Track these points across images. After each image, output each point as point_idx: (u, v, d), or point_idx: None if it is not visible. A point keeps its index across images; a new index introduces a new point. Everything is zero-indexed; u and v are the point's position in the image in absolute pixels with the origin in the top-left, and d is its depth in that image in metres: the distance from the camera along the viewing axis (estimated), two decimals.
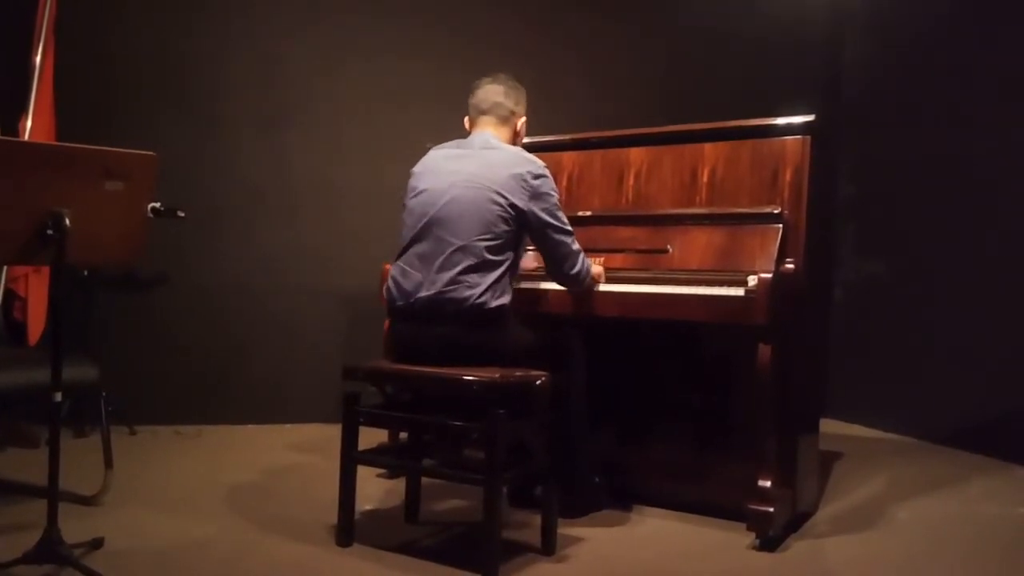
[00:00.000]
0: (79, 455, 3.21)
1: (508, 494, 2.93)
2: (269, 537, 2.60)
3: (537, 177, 2.59)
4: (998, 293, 3.91)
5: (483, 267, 2.52)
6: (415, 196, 2.67)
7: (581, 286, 2.77)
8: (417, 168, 2.75)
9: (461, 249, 2.52)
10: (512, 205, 2.55)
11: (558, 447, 2.59)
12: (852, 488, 3.32)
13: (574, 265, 2.69)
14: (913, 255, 4.43)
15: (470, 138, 2.75)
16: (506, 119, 2.76)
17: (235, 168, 4.25)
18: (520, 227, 2.59)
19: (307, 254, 4.32)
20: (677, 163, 3.01)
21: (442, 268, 2.53)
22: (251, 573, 2.34)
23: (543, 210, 2.59)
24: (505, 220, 2.55)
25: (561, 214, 2.65)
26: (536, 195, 2.58)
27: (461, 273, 2.51)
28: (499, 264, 2.55)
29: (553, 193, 2.63)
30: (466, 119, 2.82)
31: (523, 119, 2.82)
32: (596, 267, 2.82)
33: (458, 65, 3.87)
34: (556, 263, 2.69)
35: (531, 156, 2.66)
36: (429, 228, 2.58)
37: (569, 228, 2.67)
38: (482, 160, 2.62)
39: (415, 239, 2.61)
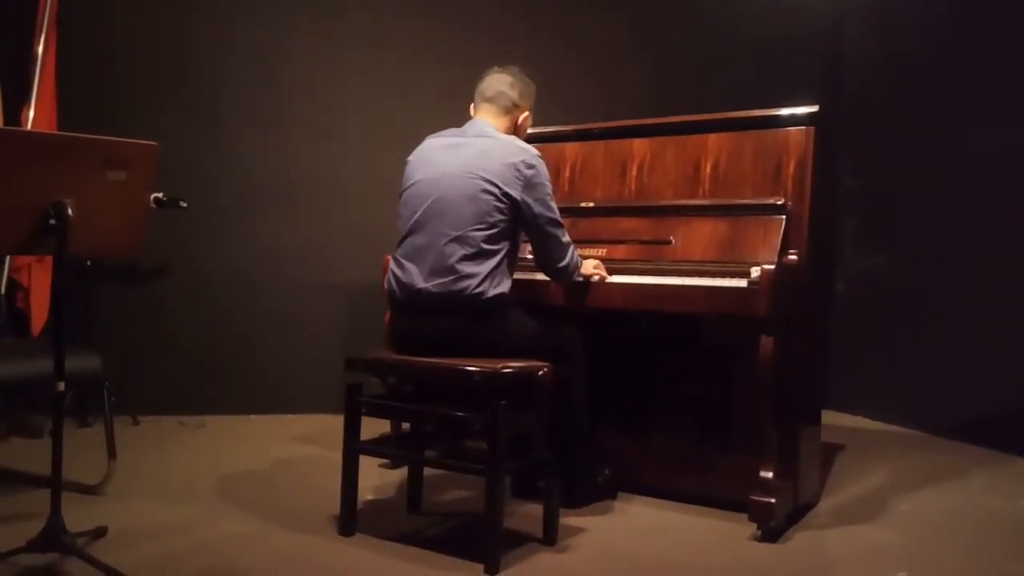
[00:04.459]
0: (82, 445, 3.23)
1: (510, 485, 2.93)
2: (272, 527, 2.61)
3: (530, 167, 2.57)
4: (1000, 286, 3.90)
5: (480, 256, 2.52)
6: (410, 187, 2.66)
7: (569, 279, 2.77)
8: (412, 157, 2.73)
9: (457, 240, 2.52)
10: (506, 195, 2.54)
11: (559, 438, 2.60)
12: (854, 480, 3.32)
13: (562, 257, 2.69)
14: (915, 248, 4.42)
15: (465, 126, 2.73)
16: (507, 110, 2.74)
17: (237, 160, 4.25)
18: (515, 216, 2.58)
19: (309, 246, 4.33)
20: (680, 154, 3.01)
21: (438, 259, 2.53)
22: (254, 563, 2.34)
23: (536, 201, 2.58)
24: (500, 210, 2.54)
25: (554, 205, 2.64)
26: (530, 185, 2.57)
27: (458, 263, 2.51)
28: (496, 253, 2.54)
29: (547, 183, 2.62)
30: (471, 106, 2.79)
31: (526, 114, 2.79)
32: (587, 266, 2.79)
33: (459, 59, 3.86)
34: (545, 255, 2.69)
35: (525, 145, 2.64)
36: (424, 219, 2.58)
37: (560, 220, 2.66)
38: (475, 149, 2.60)
39: (411, 231, 2.61)
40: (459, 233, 2.52)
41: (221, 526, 2.61)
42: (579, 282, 2.81)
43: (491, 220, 2.53)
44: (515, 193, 2.55)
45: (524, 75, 2.79)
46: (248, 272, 4.26)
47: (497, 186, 2.53)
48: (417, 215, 2.59)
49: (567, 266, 2.71)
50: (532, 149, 2.63)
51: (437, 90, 4.17)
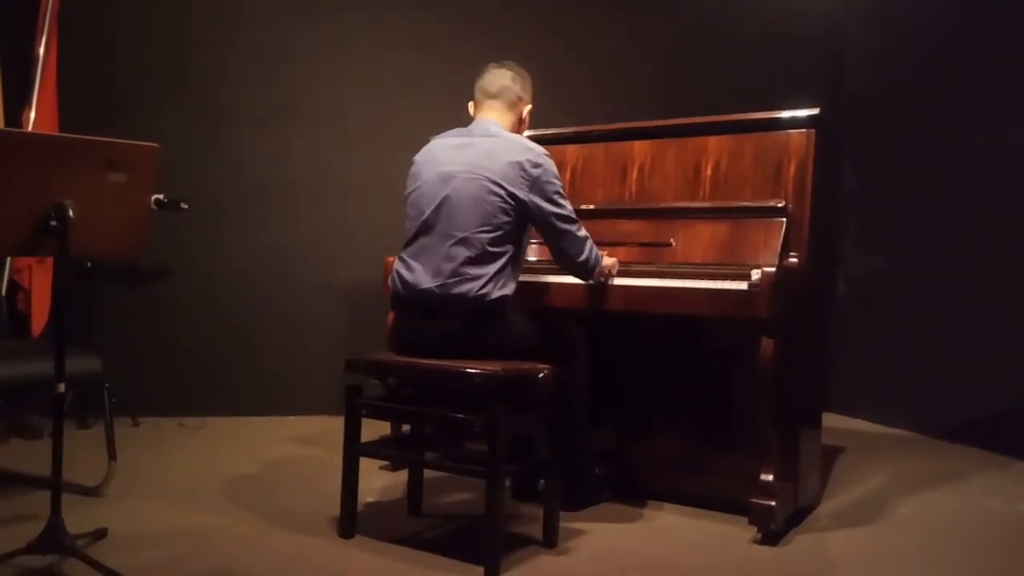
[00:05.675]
0: (82, 446, 3.23)
1: (510, 487, 2.93)
2: (272, 529, 2.61)
3: (536, 165, 2.56)
4: (1000, 288, 3.91)
5: (484, 259, 2.51)
6: (416, 187, 2.65)
7: (592, 275, 2.71)
8: (418, 157, 2.72)
9: (462, 241, 2.52)
10: (512, 195, 2.53)
11: (560, 440, 2.60)
12: (854, 482, 3.32)
13: (580, 252, 2.64)
14: (916, 250, 4.42)
15: (471, 126, 2.72)
16: (513, 104, 2.73)
17: (238, 161, 4.25)
18: (521, 218, 2.57)
19: (310, 247, 4.33)
20: (681, 156, 3.01)
21: (444, 260, 2.53)
22: (254, 564, 2.34)
23: (544, 198, 2.56)
24: (505, 211, 2.53)
25: (564, 201, 2.61)
26: (536, 184, 2.55)
27: (462, 265, 2.50)
28: (500, 256, 2.53)
29: (555, 180, 2.59)
30: (470, 104, 2.78)
31: (528, 107, 2.79)
32: (608, 259, 2.77)
33: (460, 58, 3.84)
34: (562, 253, 2.66)
35: (532, 144, 2.62)
36: (431, 220, 2.57)
37: (573, 216, 2.63)
38: (482, 149, 2.59)
39: (418, 231, 2.60)
40: (464, 235, 2.51)
41: (221, 528, 2.61)
42: (588, 282, 2.77)
43: (496, 222, 2.53)
44: (521, 193, 2.54)
45: (520, 67, 2.79)
46: (248, 272, 4.26)
47: (503, 186, 2.52)
48: (425, 216, 2.58)
49: (587, 260, 2.66)
50: (538, 148, 2.61)
51: (437, 90, 4.17)
